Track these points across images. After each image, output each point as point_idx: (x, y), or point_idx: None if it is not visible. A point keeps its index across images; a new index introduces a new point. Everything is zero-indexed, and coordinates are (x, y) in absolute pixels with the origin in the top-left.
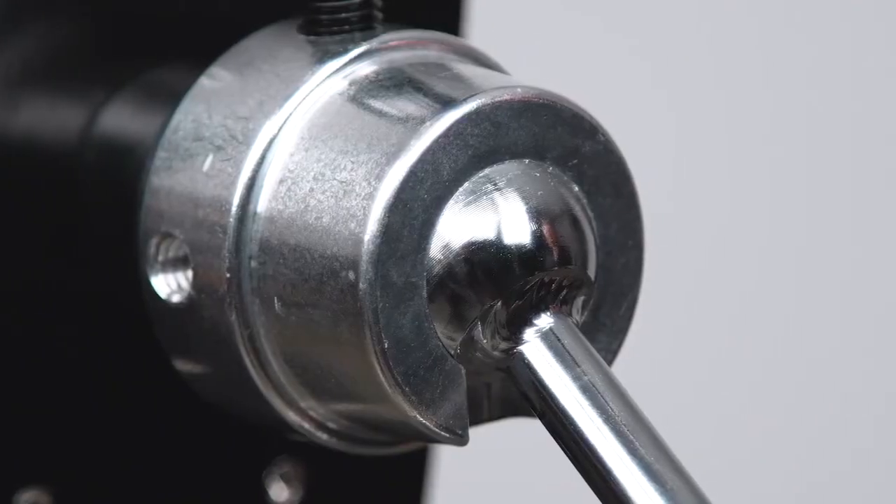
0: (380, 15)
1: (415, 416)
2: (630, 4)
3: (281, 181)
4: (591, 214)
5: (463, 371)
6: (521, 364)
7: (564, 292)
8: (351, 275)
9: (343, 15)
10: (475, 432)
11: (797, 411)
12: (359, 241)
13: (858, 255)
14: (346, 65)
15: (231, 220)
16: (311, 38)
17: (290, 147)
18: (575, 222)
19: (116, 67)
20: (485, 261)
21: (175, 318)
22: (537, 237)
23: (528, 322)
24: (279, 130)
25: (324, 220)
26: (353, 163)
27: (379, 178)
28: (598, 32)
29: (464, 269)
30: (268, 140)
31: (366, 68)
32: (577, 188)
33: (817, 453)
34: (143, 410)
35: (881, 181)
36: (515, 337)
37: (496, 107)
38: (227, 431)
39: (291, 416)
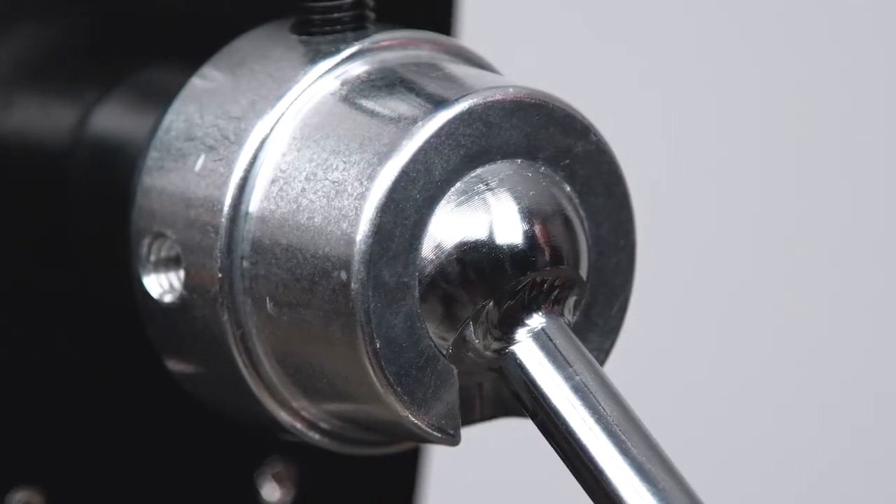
0: (372, 15)
1: (407, 416)
2: (622, 4)
3: (273, 181)
4: (582, 214)
5: (455, 371)
6: (513, 364)
7: (556, 292)
8: (343, 275)
9: (335, 15)
10: (467, 432)
11: (789, 411)
12: (351, 241)
13: (849, 259)
14: (338, 65)
15: (223, 220)
16: (303, 38)
17: (282, 147)
18: (567, 222)
19: (108, 67)
20: (477, 261)
21: (167, 318)
22: (529, 237)
23: (520, 322)
24: (271, 130)
25: (316, 220)
26: (344, 163)
27: (371, 178)
28: (591, 32)
29: (456, 269)
30: (260, 140)
31: (358, 68)
32: (568, 188)
33: (809, 453)
34: (136, 410)
35: (870, 180)
36: (507, 337)
37: (488, 107)
38: (219, 431)
39: (283, 416)
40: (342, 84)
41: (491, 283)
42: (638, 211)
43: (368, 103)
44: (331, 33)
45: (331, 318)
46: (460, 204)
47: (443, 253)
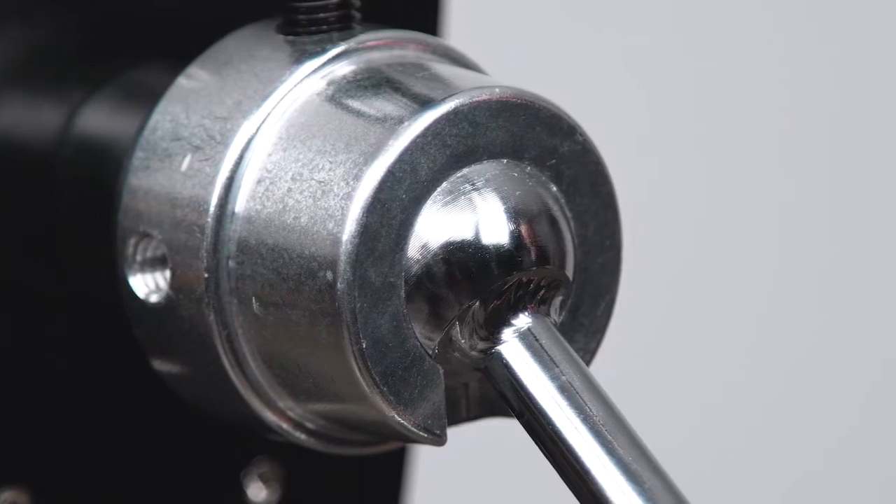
0: (358, 15)
1: (393, 416)
2: (610, 5)
3: (259, 181)
4: (569, 214)
5: (441, 371)
6: (499, 364)
7: (542, 292)
8: (329, 275)
9: (321, 15)
10: (453, 432)
11: (775, 411)
12: (337, 241)
13: (836, 259)
14: (324, 65)
15: (209, 220)
16: (290, 38)
17: (268, 147)
18: (553, 222)
19: (95, 67)
20: (463, 261)
21: (153, 318)
22: (515, 237)
23: (506, 322)
24: (257, 130)
25: (302, 220)
26: (331, 163)
27: (357, 178)
28: (577, 32)
29: (442, 269)
30: (246, 140)
31: (344, 68)
32: (555, 188)
33: (795, 453)
34: (122, 410)
35: (859, 179)
36: (493, 337)
37: (474, 107)
38: (206, 431)
39: (269, 416)
40: (328, 84)
41: (477, 283)
42: (624, 211)
43: (354, 103)
44: (317, 33)
45: (317, 318)
46: (446, 204)
47: (429, 253)
